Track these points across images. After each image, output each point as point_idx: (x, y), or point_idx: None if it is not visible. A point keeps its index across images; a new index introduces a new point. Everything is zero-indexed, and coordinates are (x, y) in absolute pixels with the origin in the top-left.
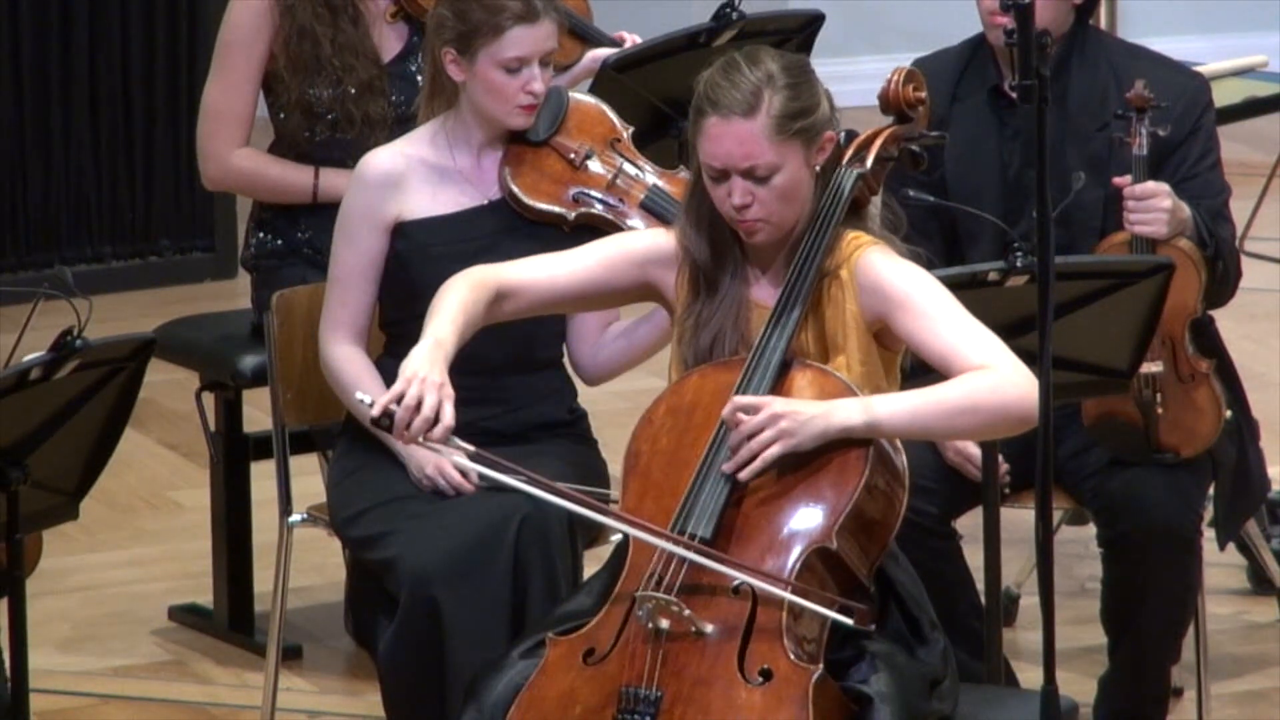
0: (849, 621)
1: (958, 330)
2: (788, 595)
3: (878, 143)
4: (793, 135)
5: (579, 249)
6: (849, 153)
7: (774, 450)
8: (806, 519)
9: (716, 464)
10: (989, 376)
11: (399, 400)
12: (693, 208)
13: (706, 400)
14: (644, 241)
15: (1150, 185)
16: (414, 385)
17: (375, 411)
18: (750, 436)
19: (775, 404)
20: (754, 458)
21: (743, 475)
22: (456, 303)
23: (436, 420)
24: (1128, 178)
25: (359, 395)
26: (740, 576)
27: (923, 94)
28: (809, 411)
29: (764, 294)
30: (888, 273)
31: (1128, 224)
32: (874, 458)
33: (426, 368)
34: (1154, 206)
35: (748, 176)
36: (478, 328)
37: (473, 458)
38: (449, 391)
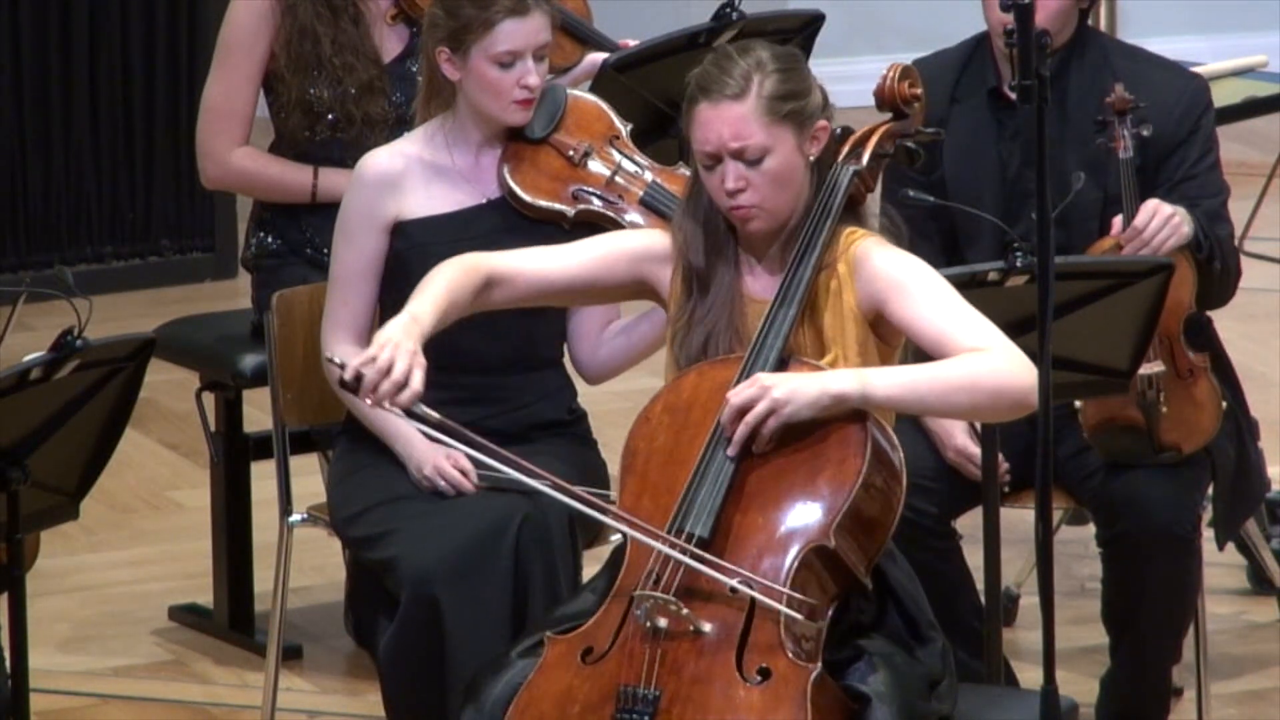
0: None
1: (953, 315)
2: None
3: (873, 139)
4: (783, 118)
5: (576, 243)
6: (845, 149)
7: (771, 423)
8: (804, 517)
9: (714, 462)
10: (986, 357)
11: (370, 363)
12: (691, 204)
13: (704, 398)
14: (640, 238)
15: (1146, 209)
16: (386, 350)
17: (348, 375)
18: (743, 413)
19: (764, 377)
20: (752, 433)
21: (732, 451)
22: (443, 284)
23: (405, 386)
24: (1117, 220)
25: (331, 356)
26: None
27: (918, 90)
28: (800, 379)
29: (759, 288)
30: (883, 260)
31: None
32: (871, 455)
33: (400, 336)
34: (1164, 222)
35: (739, 159)
36: (464, 313)
37: (436, 426)
38: (421, 361)
